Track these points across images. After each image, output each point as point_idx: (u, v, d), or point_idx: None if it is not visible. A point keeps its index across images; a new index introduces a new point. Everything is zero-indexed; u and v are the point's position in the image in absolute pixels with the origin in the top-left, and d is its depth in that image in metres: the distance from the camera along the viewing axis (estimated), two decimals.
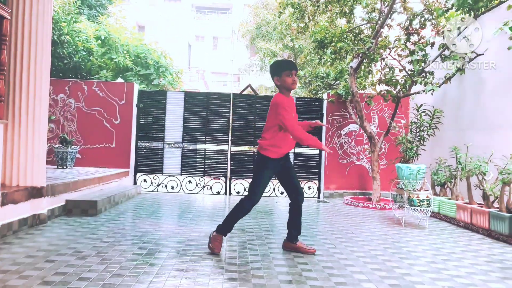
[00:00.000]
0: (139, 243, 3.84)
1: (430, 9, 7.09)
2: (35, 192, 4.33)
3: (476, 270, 3.38)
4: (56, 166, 7.39)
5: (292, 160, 7.97)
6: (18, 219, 4.02)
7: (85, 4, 11.66)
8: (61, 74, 8.97)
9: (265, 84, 21.71)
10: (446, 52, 6.35)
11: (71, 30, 9.32)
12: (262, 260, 3.44)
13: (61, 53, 8.79)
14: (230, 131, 8.14)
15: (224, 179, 8.11)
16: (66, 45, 8.94)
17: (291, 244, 3.77)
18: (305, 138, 3.45)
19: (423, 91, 6.27)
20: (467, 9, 5.95)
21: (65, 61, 8.93)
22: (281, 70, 3.57)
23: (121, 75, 9.87)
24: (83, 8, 11.34)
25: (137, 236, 4.12)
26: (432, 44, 6.56)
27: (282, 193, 7.94)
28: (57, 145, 7.48)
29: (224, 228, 3.66)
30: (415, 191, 5.23)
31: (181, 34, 27.49)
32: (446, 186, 6.06)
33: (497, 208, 4.81)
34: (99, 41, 9.51)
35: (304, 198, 3.78)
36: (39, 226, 4.34)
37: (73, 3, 9.67)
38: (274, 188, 8.00)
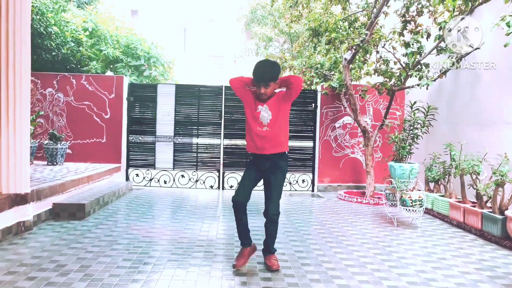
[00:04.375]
0: (125, 252, 3.77)
1: None
2: (19, 199, 4.24)
3: (466, 281, 3.33)
4: (46, 163, 7.30)
5: None
6: (1, 228, 3.94)
7: None
8: (49, 66, 8.76)
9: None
10: (443, 44, 6.18)
11: (59, 20, 9.06)
12: (248, 272, 3.38)
13: (49, 45, 8.56)
14: (222, 125, 8.01)
15: (217, 173, 8.03)
16: (54, 36, 8.70)
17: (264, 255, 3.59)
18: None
19: (418, 85, 6.14)
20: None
21: (53, 53, 8.71)
22: (253, 79, 3.40)
23: (111, 66, 9.67)
24: None
25: (123, 244, 4.05)
26: (428, 36, 6.38)
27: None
28: (46, 141, 7.36)
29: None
30: (407, 191, 5.16)
31: (175, 18, 26.99)
32: (440, 182, 5.99)
33: (490, 208, 4.75)
34: (87, 33, 9.26)
35: (276, 213, 3.43)
36: (24, 233, 4.27)
37: None
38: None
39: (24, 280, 3.03)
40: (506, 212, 4.33)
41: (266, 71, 3.37)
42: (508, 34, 4.22)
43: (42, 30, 8.37)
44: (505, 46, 4.28)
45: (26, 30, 4.25)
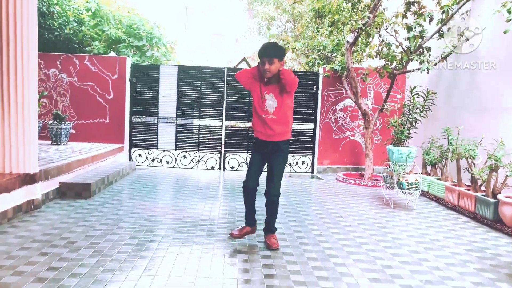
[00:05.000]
0: (131, 231, 3.94)
1: None
2: (28, 179, 4.38)
3: (455, 261, 3.51)
4: (50, 142, 7.43)
5: None
6: (12, 206, 4.10)
7: None
8: (52, 46, 8.80)
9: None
10: (445, 28, 6.22)
11: None
12: (249, 250, 3.55)
13: (51, 25, 8.58)
14: (224, 106, 8.11)
15: (218, 154, 8.18)
16: (56, 16, 8.71)
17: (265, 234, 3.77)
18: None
19: (419, 69, 6.20)
20: None
21: (56, 33, 8.74)
22: (259, 57, 3.50)
23: (113, 47, 9.69)
24: None
25: (129, 222, 4.22)
26: (431, 19, 6.40)
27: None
28: (50, 121, 7.47)
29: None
30: (404, 174, 5.30)
31: None
32: (437, 166, 6.13)
33: (484, 192, 4.90)
34: (90, 13, 9.25)
35: (276, 194, 3.63)
36: (34, 211, 4.44)
37: None
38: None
39: (38, 255, 3.20)
40: (499, 196, 4.48)
41: (270, 47, 3.52)
42: (508, 21, 4.27)
43: (44, 9, 8.38)
44: (504, 32, 4.35)
45: (33, 10, 4.31)
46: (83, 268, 3.00)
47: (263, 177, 3.73)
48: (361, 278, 3.05)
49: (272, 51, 3.47)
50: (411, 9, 6.88)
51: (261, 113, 3.56)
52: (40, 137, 7.64)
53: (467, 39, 5.72)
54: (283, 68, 3.50)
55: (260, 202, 3.95)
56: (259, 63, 3.54)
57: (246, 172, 3.74)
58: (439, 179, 5.94)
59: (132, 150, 8.18)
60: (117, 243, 3.57)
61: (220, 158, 8.17)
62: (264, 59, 3.46)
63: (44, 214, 4.39)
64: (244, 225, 3.76)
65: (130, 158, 8.14)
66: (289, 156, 8.07)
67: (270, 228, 3.69)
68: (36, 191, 4.51)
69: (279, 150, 3.62)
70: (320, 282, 2.95)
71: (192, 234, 3.95)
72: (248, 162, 3.80)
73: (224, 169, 8.14)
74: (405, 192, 5.29)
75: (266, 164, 3.76)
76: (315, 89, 8.22)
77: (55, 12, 8.65)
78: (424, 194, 6.18)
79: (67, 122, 7.51)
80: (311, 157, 8.31)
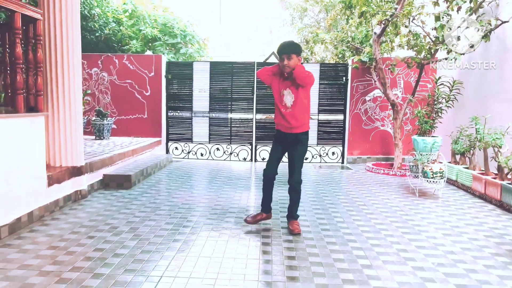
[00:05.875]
0: (167, 217, 4.33)
1: None
2: (76, 171, 4.88)
3: (472, 246, 3.63)
4: (94, 137, 8.02)
5: (315, 126, 8.21)
6: (63, 196, 4.60)
7: None
8: (93, 46, 9.40)
9: (294, 40, 21.37)
10: (473, 17, 6.16)
11: (100, 1, 9.62)
12: (272, 235, 3.84)
13: (92, 27, 9.17)
14: (254, 100, 8.39)
15: (249, 146, 8.49)
16: (97, 17, 9.29)
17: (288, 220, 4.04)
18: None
19: (446, 59, 6.20)
20: None
21: (97, 34, 9.33)
22: (278, 54, 3.82)
23: (149, 45, 10.19)
24: None
25: (165, 209, 4.62)
26: (459, 9, 6.35)
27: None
28: (94, 118, 8.06)
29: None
30: (429, 163, 5.38)
31: None
32: (465, 155, 6.14)
33: (510, 180, 4.91)
34: (127, 14, 9.78)
35: (298, 182, 3.88)
36: (81, 200, 4.94)
37: None
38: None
39: (86, 238, 3.65)
40: None
41: (289, 45, 3.80)
42: None
43: (86, 12, 8.96)
44: None
45: (77, 15, 4.75)
46: (124, 249, 3.40)
47: (284, 168, 4.00)
48: (375, 261, 3.26)
49: (289, 48, 3.76)
50: None
51: (280, 107, 3.86)
52: (84, 133, 8.22)
53: (496, 26, 5.66)
54: (299, 64, 3.76)
55: (284, 191, 4.21)
56: (278, 55, 3.83)
57: (267, 160, 4.04)
58: (467, 168, 5.96)
59: (169, 144, 8.66)
60: (154, 228, 3.96)
61: (251, 150, 8.49)
62: (283, 56, 3.76)
63: (90, 203, 4.88)
64: (260, 211, 4.05)
65: (167, 151, 8.63)
66: (319, 147, 8.33)
67: (292, 215, 3.96)
68: (82, 182, 5.00)
69: (299, 141, 3.89)
70: (336, 263, 3.19)
71: (221, 220, 4.28)
72: (270, 152, 4.06)
73: (256, 160, 8.45)
74: (430, 181, 5.38)
75: (286, 154, 4.04)
76: (344, 80, 8.33)
77: (96, 14, 9.23)
78: (452, 183, 6.21)
79: (108, 118, 8.07)
80: (341, 148, 8.46)
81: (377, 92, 8.23)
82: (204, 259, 3.23)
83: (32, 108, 4.16)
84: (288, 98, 3.81)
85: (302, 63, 3.89)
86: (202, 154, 8.53)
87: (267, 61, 8.53)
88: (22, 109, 3.90)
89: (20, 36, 3.86)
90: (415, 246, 3.62)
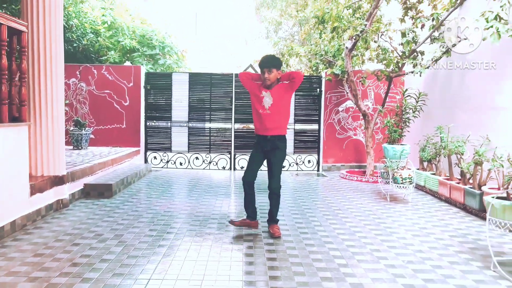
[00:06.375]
0: (150, 224, 4.45)
1: None
2: (57, 180, 4.93)
3: (438, 245, 3.93)
4: (72, 147, 8.01)
5: (292, 135, 8.49)
6: (45, 205, 4.65)
7: None
8: (71, 57, 9.39)
9: (269, 52, 21.80)
10: (436, 34, 6.60)
11: (78, 11, 9.65)
12: (254, 239, 4.02)
13: (70, 37, 9.18)
14: (233, 110, 8.60)
15: (228, 155, 8.67)
16: (75, 28, 9.31)
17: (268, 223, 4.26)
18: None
19: (412, 72, 6.60)
20: None
21: (75, 45, 9.34)
22: (260, 67, 4.11)
23: (128, 55, 10.27)
24: None
25: (148, 217, 4.73)
26: (422, 26, 6.79)
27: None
28: (71, 128, 8.06)
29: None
30: (398, 169, 5.72)
31: (187, 2, 27.30)
32: (432, 162, 6.52)
33: (472, 185, 5.29)
34: (106, 25, 9.85)
35: (277, 187, 4.13)
36: (63, 209, 4.98)
37: None
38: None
39: (71, 245, 3.73)
40: (483, 188, 4.88)
41: (269, 59, 4.11)
42: (486, 29, 4.66)
43: (64, 23, 8.96)
44: (483, 39, 4.74)
45: (60, 28, 4.84)
46: (111, 255, 3.51)
47: (263, 176, 4.21)
48: (351, 260, 3.50)
49: (270, 62, 4.06)
50: (408, 14, 7.31)
51: (258, 108, 4.12)
52: None
53: (455, 44, 6.09)
54: (292, 71, 4.10)
55: (266, 198, 4.41)
56: (260, 68, 4.13)
57: (246, 167, 4.28)
58: (434, 174, 6.34)
59: (148, 153, 8.73)
60: (138, 235, 4.07)
61: (230, 158, 8.67)
62: (264, 70, 4.04)
63: (72, 211, 4.94)
64: (246, 216, 4.26)
65: (146, 161, 8.69)
66: (296, 155, 8.60)
67: (273, 219, 4.17)
68: (64, 191, 5.06)
69: (277, 148, 4.13)
70: (314, 263, 3.41)
71: (204, 226, 4.44)
72: (248, 158, 4.30)
73: (235, 169, 8.63)
74: (400, 186, 5.71)
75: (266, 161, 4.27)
76: (318, 92, 8.67)
77: (74, 25, 9.25)
78: (421, 188, 6.58)
79: (87, 128, 8.09)
80: (316, 156, 8.75)
81: (349, 103, 8.59)
82: (190, 262, 3.38)
83: (15, 118, 4.22)
84: (267, 100, 4.08)
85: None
86: (181, 163, 8.65)
87: None
88: (6, 118, 3.97)
89: (6, 47, 3.94)
90: (387, 246, 3.88)
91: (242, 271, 3.23)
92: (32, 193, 4.38)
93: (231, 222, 4.22)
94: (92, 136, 8.43)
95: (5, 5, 7.71)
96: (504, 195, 3.52)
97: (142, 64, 9.75)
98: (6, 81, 4.00)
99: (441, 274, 3.24)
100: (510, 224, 3.33)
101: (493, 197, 3.46)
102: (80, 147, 7.93)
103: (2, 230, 3.84)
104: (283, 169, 8.40)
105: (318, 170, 8.71)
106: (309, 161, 8.72)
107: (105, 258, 3.42)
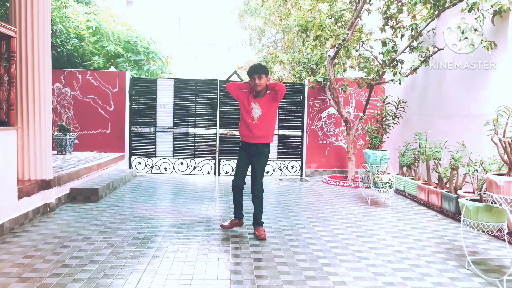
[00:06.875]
0: (137, 228, 4.52)
1: None
2: (44, 184, 4.95)
3: (416, 246, 4.13)
4: (56, 152, 7.97)
5: (276, 141, 8.65)
6: (32, 209, 4.67)
7: None
8: (54, 62, 9.36)
9: (253, 59, 22.03)
10: (415, 43, 6.90)
11: (62, 16, 9.64)
12: (241, 241, 4.14)
13: (54, 42, 9.15)
14: (218, 116, 8.72)
15: (213, 161, 8.77)
16: (59, 33, 9.30)
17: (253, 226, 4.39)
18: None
19: (392, 80, 6.86)
20: (432, 4, 6.45)
21: (58, 50, 9.32)
22: (249, 75, 4.23)
23: (112, 61, 10.29)
24: None
25: (135, 221, 4.80)
26: (402, 36, 7.08)
27: (267, 172, 8.66)
28: (56, 133, 8.03)
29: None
30: (379, 174, 5.93)
31: (170, 7, 27.37)
32: (411, 167, 6.77)
33: (448, 189, 5.53)
34: (91, 30, 9.86)
35: (260, 190, 4.26)
36: (50, 213, 5.00)
37: None
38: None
39: (60, 248, 3.78)
40: (459, 191, 5.12)
41: (259, 66, 4.30)
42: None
43: None
44: (459, 50, 5.01)
45: (48, 34, 4.89)
46: (100, 256, 3.58)
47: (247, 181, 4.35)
48: (334, 260, 3.65)
49: (260, 69, 4.23)
50: (389, 24, 7.60)
51: (247, 118, 4.25)
52: None
53: (433, 53, 6.38)
54: (276, 83, 4.22)
55: (250, 201, 4.54)
56: (249, 80, 4.21)
57: (234, 172, 4.43)
58: (413, 179, 6.58)
59: (132, 158, 8.76)
60: (126, 237, 4.14)
61: (215, 164, 8.77)
62: (254, 76, 4.19)
63: (59, 215, 4.96)
64: (234, 217, 4.41)
65: (130, 166, 8.71)
66: (279, 161, 8.77)
67: (257, 221, 4.30)
68: (51, 195, 5.08)
69: (261, 153, 4.30)
70: (299, 263, 3.55)
71: (191, 229, 4.54)
72: (236, 164, 4.45)
73: (219, 174, 8.73)
74: (380, 191, 5.93)
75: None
76: (301, 99, 8.87)
77: (58, 30, 9.24)
78: (400, 193, 6.82)
79: (71, 133, 8.08)
80: (299, 162, 8.94)
81: (332, 110, 8.82)
82: (179, 263, 3.48)
83: (3, 122, 4.25)
84: (256, 111, 4.22)
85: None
86: (165, 169, 8.70)
87: (229, 79, 8.91)
88: None
89: None
90: (368, 247, 4.06)
91: (229, 271, 3.34)
92: (19, 197, 4.40)
93: (222, 226, 4.37)
94: (76, 141, 8.41)
95: None
96: (478, 197, 3.74)
97: (126, 70, 9.78)
98: None
99: (419, 272, 3.42)
100: (483, 225, 3.55)
101: (467, 199, 3.68)
102: (64, 152, 7.91)
103: None
104: (267, 174, 8.60)
105: (301, 175, 8.89)
106: (292, 167, 8.89)
107: (95, 260, 3.48)
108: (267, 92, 4.27)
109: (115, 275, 3.18)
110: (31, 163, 4.84)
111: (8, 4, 4.65)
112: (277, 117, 8.62)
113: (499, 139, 3.33)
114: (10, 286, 2.93)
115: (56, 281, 3.02)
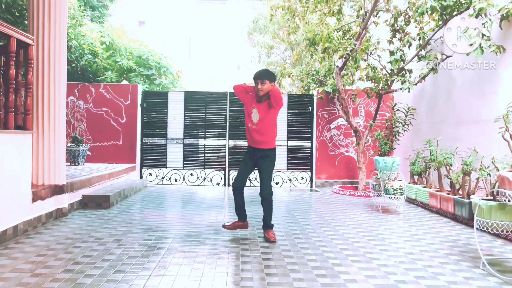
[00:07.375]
0: (148, 231, 4.54)
1: (413, 7, 7.62)
2: (58, 189, 5.03)
3: (429, 249, 4.07)
4: (69, 163, 8.09)
5: (285, 152, 8.68)
6: (45, 213, 4.73)
7: (87, 6, 12.23)
8: (69, 76, 9.59)
9: None
10: (422, 52, 6.94)
11: (77, 33, 9.93)
12: (250, 243, 4.14)
13: (69, 58, 9.40)
14: (227, 127, 8.80)
15: (223, 172, 8.81)
16: (73, 49, 9.57)
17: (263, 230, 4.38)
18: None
19: (401, 89, 6.89)
20: (439, 13, 6.51)
21: (73, 65, 9.57)
22: (254, 79, 4.30)
23: (125, 75, 10.51)
24: (86, 10, 11.90)
25: (146, 225, 4.83)
26: (410, 45, 7.14)
27: (277, 183, 8.66)
28: (69, 144, 8.17)
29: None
30: (390, 181, 5.90)
31: (180, 28, 27.96)
32: (422, 175, 6.72)
33: (461, 195, 5.47)
34: (104, 46, 10.13)
35: (268, 192, 4.24)
36: (62, 218, 5.06)
37: (78, 8, 10.25)
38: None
39: (73, 248, 3.81)
40: (472, 197, 5.06)
41: (262, 71, 4.33)
42: (470, 45, 4.98)
43: None
44: (467, 55, 5.04)
45: (64, 42, 5.05)
46: (111, 255, 3.60)
47: (255, 191, 4.36)
48: (345, 260, 3.62)
49: (263, 75, 4.26)
50: (396, 36, 7.68)
51: (248, 122, 4.34)
52: None
53: (441, 60, 6.41)
54: (275, 87, 4.25)
55: (258, 207, 4.54)
56: (253, 80, 4.31)
57: (236, 174, 4.47)
58: (424, 187, 6.52)
59: (143, 169, 8.84)
60: (137, 239, 4.17)
61: (224, 175, 8.79)
62: (257, 81, 4.24)
63: (72, 220, 5.01)
64: (237, 219, 4.42)
65: (141, 176, 8.78)
66: (289, 172, 8.77)
67: (267, 224, 4.30)
68: (64, 200, 5.14)
69: (267, 156, 4.32)
70: (309, 263, 3.53)
71: (201, 232, 4.54)
72: (239, 167, 4.49)
73: (229, 185, 8.74)
74: (391, 197, 5.88)
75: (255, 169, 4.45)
76: (310, 110, 8.92)
77: (72, 46, 9.51)
78: (412, 201, 6.75)
79: (84, 145, 8.21)
80: (309, 173, 8.92)
81: (341, 120, 8.85)
82: (188, 261, 3.48)
83: (20, 127, 4.36)
84: (255, 116, 4.28)
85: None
86: (176, 180, 8.75)
87: None
88: (12, 126, 4.11)
89: (14, 59, 4.13)
90: (380, 249, 4.01)
91: (239, 269, 3.33)
92: (33, 200, 4.47)
93: (224, 226, 4.41)
94: (89, 152, 8.54)
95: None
96: (491, 198, 3.70)
97: (138, 84, 9.98)
98: (13, 90, 4.17)
99: (432, 272, 3.37)
100: (497, 224, 3.51)
101: (480, 199, 3.64)
102: (77, 163, 8.02)
103: (5, 233, 3.91)
104: (276, 185, 8.59)
105: (311, 186, 8.86)
106: (302, 178, 8.87)
107: (106, 258, 3.51)
108: (269, 98, 4.27)
109: (126, 271, 3.19)
110: (45, 168, 4.92)
111: (26, 14, 4.81)
112: (286, 127, 8.73)
113: (510, 136, 3.31)
114: (23, 280, 2.96)
115: (68, 276, 3.04)
